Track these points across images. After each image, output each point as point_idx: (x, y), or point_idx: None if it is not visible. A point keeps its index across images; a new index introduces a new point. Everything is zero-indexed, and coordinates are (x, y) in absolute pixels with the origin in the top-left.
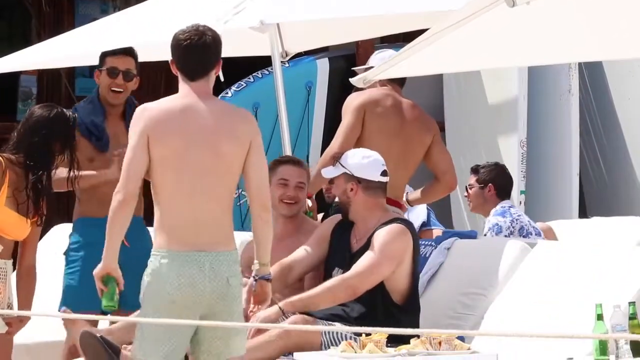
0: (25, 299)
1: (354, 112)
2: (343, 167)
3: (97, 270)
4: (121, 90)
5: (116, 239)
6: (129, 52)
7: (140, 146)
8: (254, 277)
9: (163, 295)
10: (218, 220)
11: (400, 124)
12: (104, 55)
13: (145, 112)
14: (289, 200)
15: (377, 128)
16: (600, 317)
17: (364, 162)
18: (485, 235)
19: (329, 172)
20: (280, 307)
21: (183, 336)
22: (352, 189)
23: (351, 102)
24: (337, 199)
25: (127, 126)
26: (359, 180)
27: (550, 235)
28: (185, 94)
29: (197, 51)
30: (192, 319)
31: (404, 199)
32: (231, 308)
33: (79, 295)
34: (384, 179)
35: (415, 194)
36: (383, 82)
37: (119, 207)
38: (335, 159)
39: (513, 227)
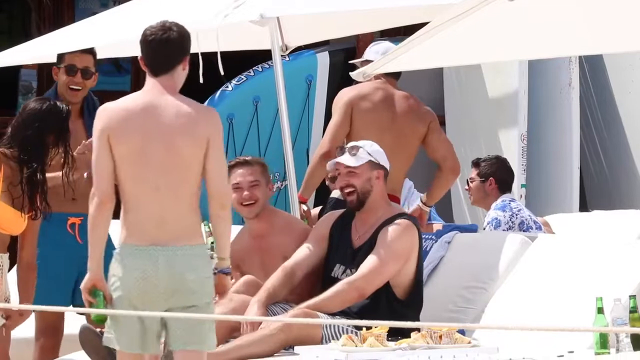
0: (26, 293)
1: (341, 109)
2: (369, 154)
3: (84, 284)
4: (79, 88)
5: (99, 245)
6: (88, 50)
7: (103, 146)
8: (213, 270)
9: (123, 288)
10: (181, 217)
11: (391, 116)
12: (63, 53)
13: (105, 112)
14: (245, 201)
15: (367, 122)
16: (600, 310)
17: (381, 151)
18: (484, 229)
19: (352, 161)
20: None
21: (152, 326)
22: (377, 177)
23: (339, 99)
24: (334, 194)
25: (85, 123)
26: (383, 168)
27: (547, 229)
28: (148, 89)
29: (160, 46)
30: (156, 310)
31: (420, 202)
32: (189, 302)
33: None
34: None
35: (427, 194)
36: (377, 76)
37: (97, 210)
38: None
39: (512, 222)
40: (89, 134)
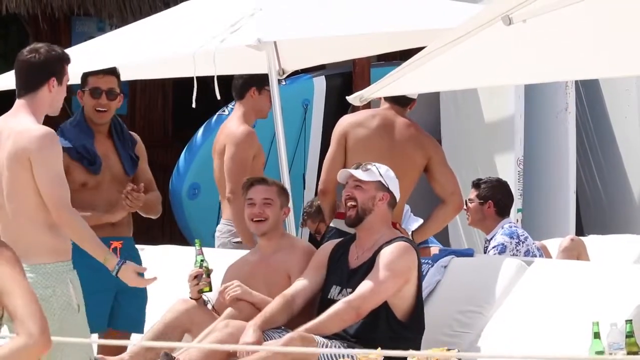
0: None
1: (334, 140)
2: (380, 175)
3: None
4: (105, 109)
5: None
6: (111, 71)
7: None
8: (114, 273)
9: None
10: (20, 236)
11: (389, 144)
12: (86, 76)
13: None
14: (255, 217)
15: (362, 149)
16: (597, 335)
17: (395, 178)
18: (487, 252)
19: (362, 175)
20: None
21: None
22: (381, 199)
23: (334, 129)
24: (333, 223)
25: (115, 145)
26: (389, 193)
27: (545, 253)
28: (9, 112)
29: (18, 68)
30: None
31: (409, 234)
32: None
33: None
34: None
35: (421, 225)
36: (384, 102)
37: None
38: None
39: (518, 250)
40: (120, 156)
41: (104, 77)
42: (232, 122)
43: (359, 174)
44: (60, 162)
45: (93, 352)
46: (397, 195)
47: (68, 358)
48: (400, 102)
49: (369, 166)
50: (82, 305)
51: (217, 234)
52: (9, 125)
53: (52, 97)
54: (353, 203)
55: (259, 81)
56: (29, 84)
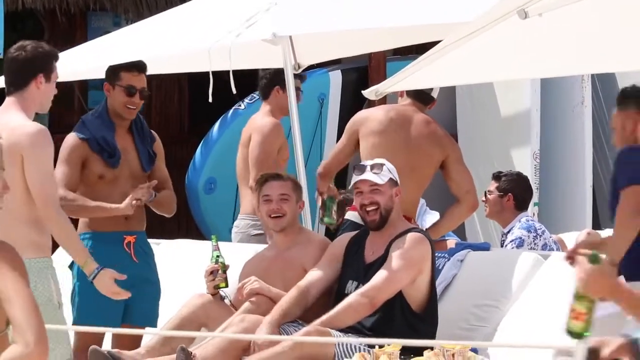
0: None
1: (345, 133)
2: (389, 171)
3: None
4: (135, 107)
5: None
6: (143, 69)
7: None
8: (90, 279)
9: None
10: (8, 231)
11: (404, 139)
12: (118, 70)
13: None
14: (273, 213)
15: (374, 143)
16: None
17: (395, 168)
18: (505, 246)
19: (377, 179)
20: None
21: None
22: (396, 194)
23: (348, 123)
24: (349, 215)
25: (134, 140)
26: (398, 186)
27: (562, 247)
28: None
29: (6, 66)
30: None
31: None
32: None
33: (94, 311)
34: None
35: (435, 222)
36: (405, 97)
37: None
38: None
39: (535, 244)
40: (139, 152)
41: (138, 75)
42: (258, 115)
43: (374, 178)
44: (51, 160)
45: (71, 350)
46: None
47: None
48: (422, 100)
49: (376, 169)
50: (62, 302)
51: (234, 229)
52: (1, 122)
53: (40, 94)
54: (375, 207)
55: (282, 80)
56: (16, 81)
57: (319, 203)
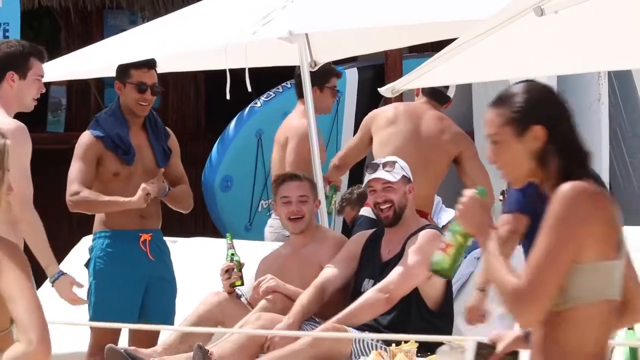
0: None
1: (360, 130)
2: (402, 169)
3: None
4: (148, 103)
5: None
6: (153, 65)
7: None
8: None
9: None
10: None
11: (416, 136)
12: (128, 68)
13: None
14: (293, 215)
15: (386, 139)
16: (630, 327)
17: (407, 165)
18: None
19: (390, 177)
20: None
21: None
22: (410, 191)
23: (362, 121)
24: (363, 211)
25: (148, 137)
26: (411, 182)
27: None
28: None
29: None
30: None
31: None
32: None
33: (111, 309)
34: None
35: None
36: (420, 96)
37: None
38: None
39: None
40: (153, 148)
41: (148, 71)
42: (295, 116)
43: (387, 176)
44: (28, 157)
45: None
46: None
47: None
48: (438, 99)
49: (388, 167)
50: None
51: (269, 229)
52: None
53: (15, 92)
54: (389, 204)
55: (321, 79)
56: None
57: (326, 190)
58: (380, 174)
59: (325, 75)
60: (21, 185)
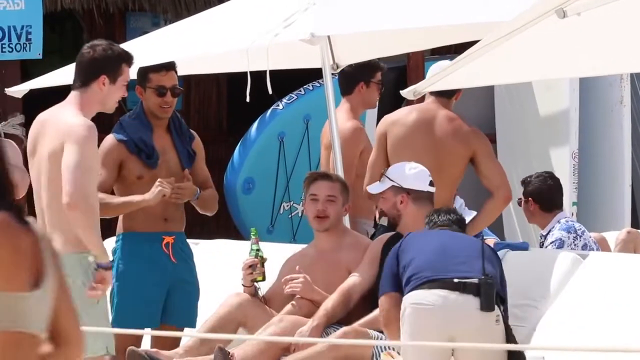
0: None
1: (375, 144)
2: (390, 180)
3: None
4: (170, 106)
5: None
6: (172, 67)
7: None
8: (94, 266)
9: None
10: (57, 226)
11: (429, 138)
12: (146, 72)
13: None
14: (318, 214)
15: (401, 146)
16: None
17: (411, 173)
18: (546, 247)
19: (376, 188)
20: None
21: None
22: (401, 201)
23: (376, 131)
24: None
25: (172, 139)
26: (407, 192)
27: (604, 245)
28: (62, 103)
29: (77, 61)
30: None
31: None
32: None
33: (133, 311)
34: (432, 189)
35: (472, 218)
36: (428, 95)
37: None
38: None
39: (575, 245)
40: (178, 151)
41: (166, 74)
42: (340, 116)
43: (373, 189)
44: (91, 157)
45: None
46: (421, 188)
47: None
48: (444, 94)
49: (380, 177)
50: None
51: None
52: (54, 115)
53: (103, 95)
54: (384, 214)
55: (367, 74)
56: (80, 78)
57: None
58: (373, 186)
59: (371, 70)
60: (83, 180)
